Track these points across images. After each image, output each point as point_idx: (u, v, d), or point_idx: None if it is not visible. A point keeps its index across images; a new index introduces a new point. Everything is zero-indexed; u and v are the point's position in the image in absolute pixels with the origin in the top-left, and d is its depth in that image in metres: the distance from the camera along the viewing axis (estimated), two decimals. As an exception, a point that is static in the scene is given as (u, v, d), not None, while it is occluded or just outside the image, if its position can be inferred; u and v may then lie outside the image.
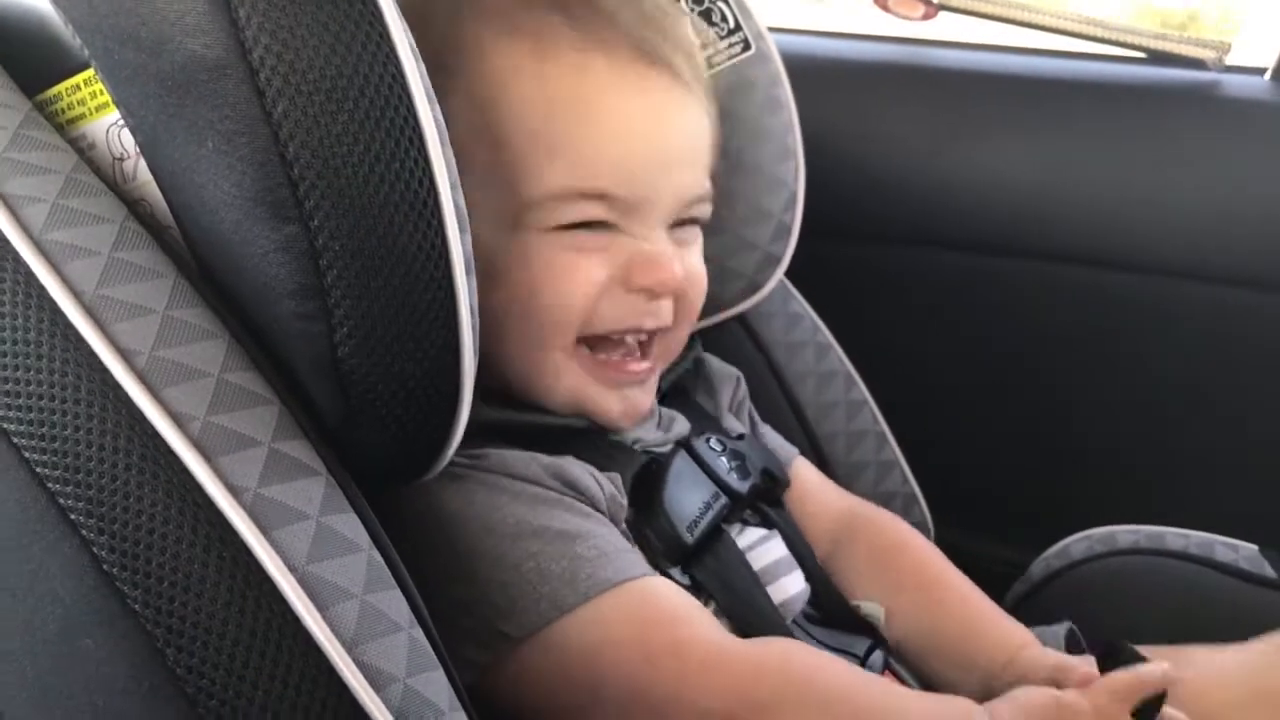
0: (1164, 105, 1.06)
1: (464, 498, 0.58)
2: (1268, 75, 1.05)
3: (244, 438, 0.44)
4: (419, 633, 0.47)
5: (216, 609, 0.41)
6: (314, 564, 0.43)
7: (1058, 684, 0.63)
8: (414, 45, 0.46)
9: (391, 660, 0.44)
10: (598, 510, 0.61)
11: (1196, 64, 1.06)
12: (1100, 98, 1.07)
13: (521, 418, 0.65)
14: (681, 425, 0.73)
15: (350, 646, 0.42)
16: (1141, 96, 1.07)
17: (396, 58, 0.45)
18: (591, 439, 0.67)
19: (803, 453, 0.93)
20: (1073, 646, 0.76)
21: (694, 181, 0.66)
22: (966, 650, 0.73)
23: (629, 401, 0.68)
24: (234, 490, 0.43)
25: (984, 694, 0.66)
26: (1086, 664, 0.67)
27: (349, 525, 0.46)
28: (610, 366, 0.67)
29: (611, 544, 0.58)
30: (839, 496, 0.85)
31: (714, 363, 0.82)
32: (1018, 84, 1.10)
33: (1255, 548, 0.87)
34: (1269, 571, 0.85)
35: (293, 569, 0.42)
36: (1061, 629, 0.78)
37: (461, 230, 0.47)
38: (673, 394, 0.77)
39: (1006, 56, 1.14)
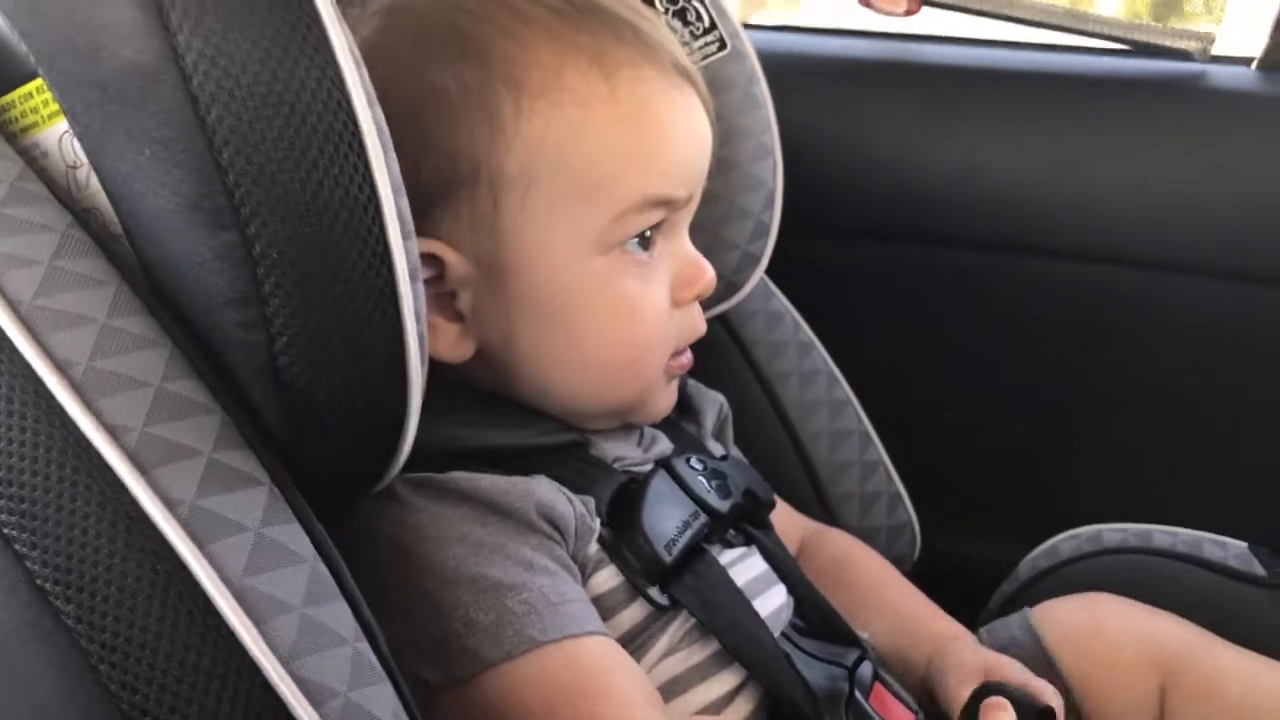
0: (1149, 97, 1.05)
1: (412, 532, 0.57)
2: (1254, 65, 1.04)
3: (182, 448, 0.44)
4: (364, 646, 0.46)
5: (150, 624, 0.40)
6: (251, 576, 0.42)
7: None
8: (353, 48, 0.46)
9: (332, 674, 0.43)
10: (561, 533, 0.60)
11: (1181, 55, 1.05)
12: (1085, 91, 1.06)
13: (501, 440, 0.65)
14: (663, 445, 0.73)
15: (288, 660, 0.42)
16: (1127, 88, 1.06)
17: (335, 62, 0.44)
18: (571, 457, 0.67)
19: (786, 453, 0.93)
20: None
21: (705, 177, 0.69)
22: (904, 648, 0.76)
23: (674, 392, 0.72)
24: (169, 503, 0.42)
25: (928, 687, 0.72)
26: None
27: (292, 537, 0.45)
28: (672, 365, 0.70)
29: (547, 597, 0.57)
30: (800, 522, 0.88)
31: (696, 387, 0.82)
32: (1001, 78, 1.09)
33: (1244, 545, 0.86)
34: (1258, 569, 0.84)
35: (228, 582, 0.42)
36: (1018, 618, 0.79)
37: (405, 236, 0.47)
38: None
39: (990, 51, 1.13)
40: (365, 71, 0.46)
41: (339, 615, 0.45)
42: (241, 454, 0.46)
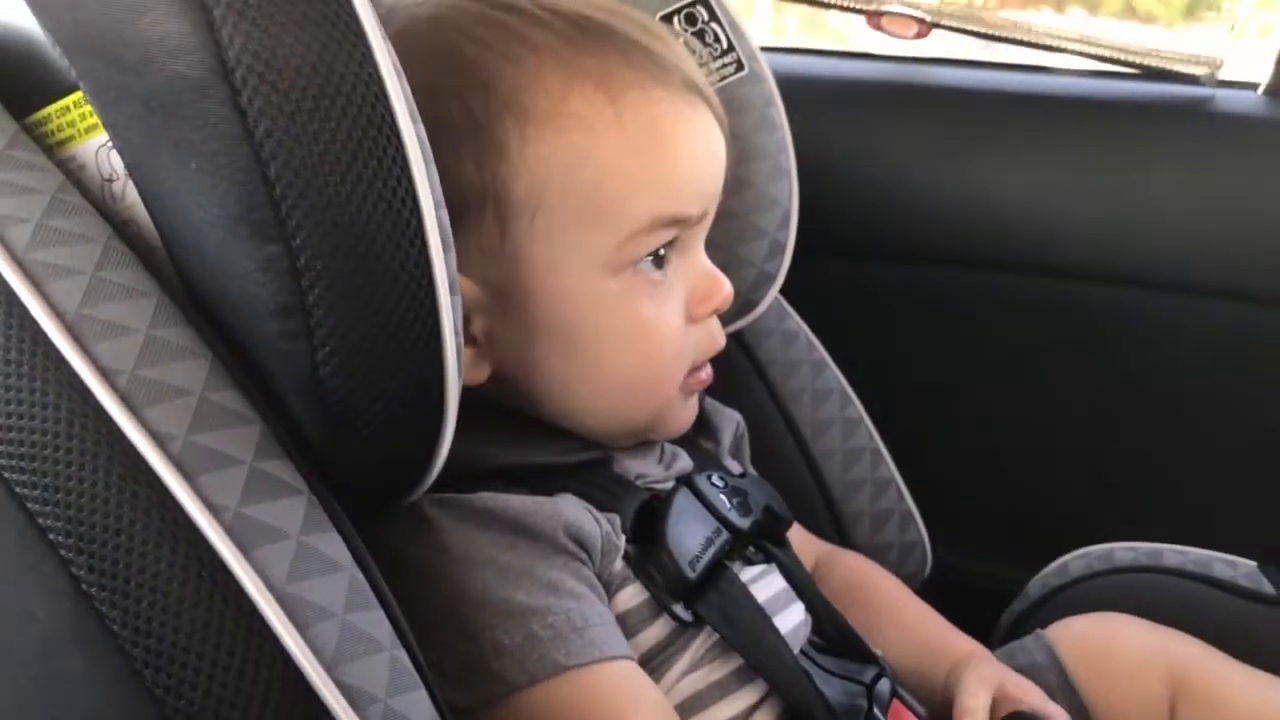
0: (1157, 121, 1.06)
1: (440, 554, 0.58)
2: (1260, 90, 1.05)
3: (225, 457, 0.44)
4: (401, 653, 0.46)
5: (195, 629, 0.41)
6: (294, 583, 0.43)
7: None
8: (398, 66, 0.47)
9: (373, 680, 0.43)
10: (588, 552, 0.61)
11: (1189, 79, 1.06)
12: (1094, 114, 1.07)
13: (527, 458, 0.65)
14: (684, 462, 0.74)
15: (331, 666, 0.42)
16: (1135, 112, 1.07)
17: (380, 78, 0.45)
18: (596, 475, 0.67)
19: (799, 470, 0.94)
20: None
21: (719, 193, 0.70)
22: (923, 666, 0.76)
23: (693, 407, 0.72)
24: (214, 509, 0.42)
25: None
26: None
27: (331, 545, 0.46)
28: (690, 381, 0.70)
29: (572, 622, 0.57)
30: (812, 544, 0.88)
31: (713, 405, 0.82)
32: (1012, 101, 1.10)
33: (1254, 564, 0.86)
34: (1267, 588, 0.84)
35: (272, 588, 0.42)
36: (1033, 640, 0.79)
37: (446, 250, 0.47)
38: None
39: (1000, 74, 1.14)
40: (407, 85, 0.47)
41: (377, 622, 0.46)
42: (281, 463, 0.46)
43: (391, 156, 0.45)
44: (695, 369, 0.70)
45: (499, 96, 0.61)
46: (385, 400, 0.47)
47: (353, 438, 0.48)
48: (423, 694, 0.46)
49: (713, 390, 0.82)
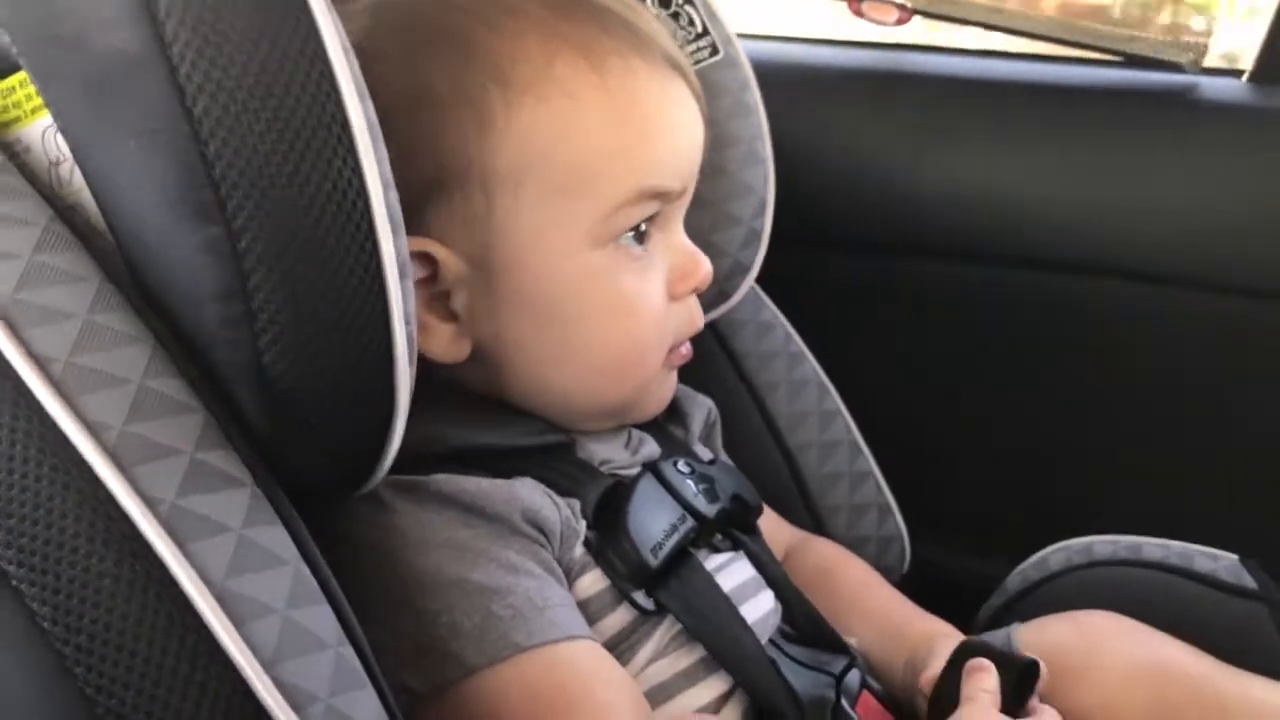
0: (1142, 108, 1.05)
1: (396, 536, 0.57)
2: (1245, 78, 1.04)
3: (164, 447, 0.43)
4: (347, 649, 0.45)
5: (128, 625, 0.39)
6: (233, 578, 0.42)
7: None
8: (344, 40, 0.45)
9: (314, 678, 0.42)
10: (546, 536, 0.60)
11: (1173, 67, 1.05)
12: (1077, 101, 1.06)
13: (486, 440, 0.64)
14: (651, 448, 0.72)
15: (270, 664, 0.41)
16: (1119, 99, 1.06)
17: (324, 53, 0.43)
18: (558, 459, 0.66)
19: (775, 463, 0.92)
20: None
21: (697, 170, 0.69)
22: (888, 651, 0.75)
23: (671, 384, 0.72)
24: (149, 501, 0.41)
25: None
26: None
27: (275, 538, 0.45)
28: (671, 356, 0.69)
29: (532, 601, 0.56)
30: (787, 532, 0.87)
31: (685, 391, 0.81)
32: (993, 89, 1.09)
33: (1235, 557, 0.85)
34: (1249, 582, 0.83)
35: (209, 583, 0.41)
36: (1002, 635, 0.78)
37: (395, 232, 0.46)
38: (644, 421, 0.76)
39: (981, 61, 1.13)
40: (356, 64, 0.45)
41: (322, 619, 0.45)
42: (224, 454, 0.45)
43: (337, 135, 0.43)
44: (675, 346, 0.69)
45: (481, 65, 0.60)
46: (332, 388, 0.46)
47: (299, 426, 0.46)
48: (369, 692, 0.45)
49: (687, 381, 0.81)
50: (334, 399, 0.46)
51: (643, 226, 0.64)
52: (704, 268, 0.68)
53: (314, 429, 0.47)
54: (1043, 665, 0.69)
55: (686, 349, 0.71)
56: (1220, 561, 0.85)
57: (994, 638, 0.79)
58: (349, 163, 0.44)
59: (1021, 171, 1.06)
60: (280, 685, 0.41)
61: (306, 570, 0.45)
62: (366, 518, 0.57)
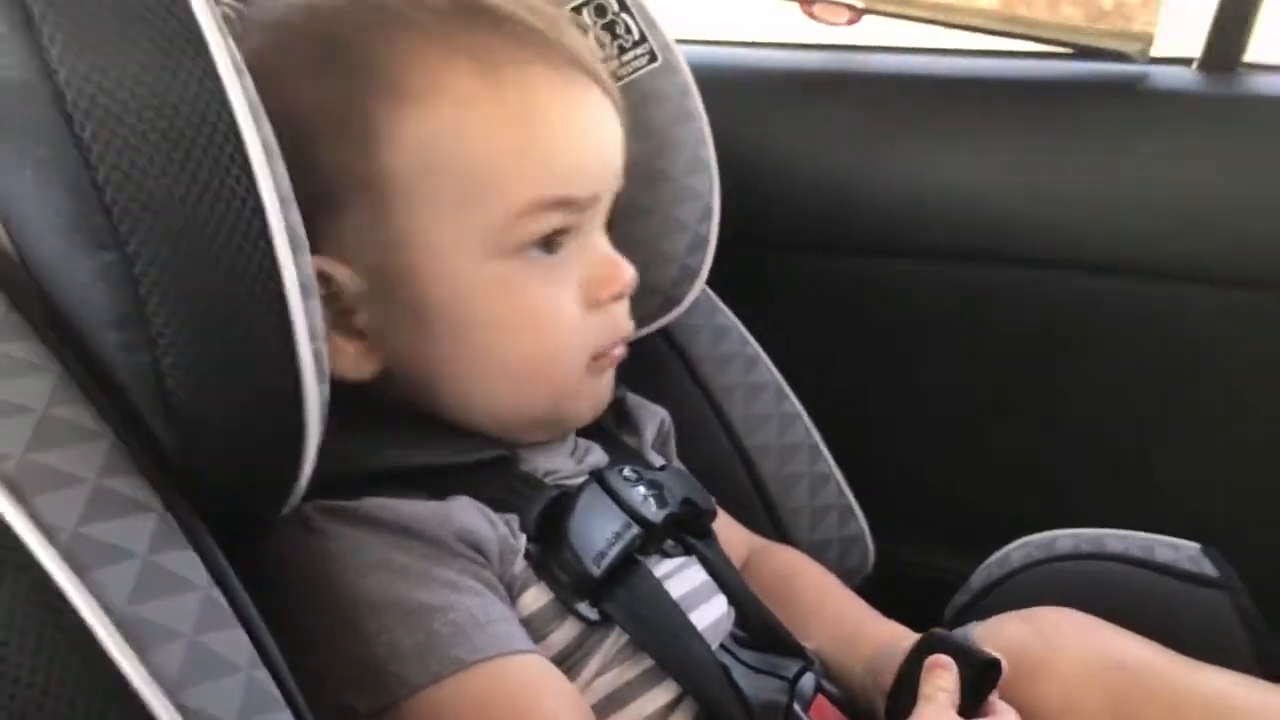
0: (1091, 99, 1.04)
1: (331, 560, 0.56)
2: (1194, 66, 1.04)
3: (65, 475, 0.42)
4: (261, 673, 0.44)
5: (24, 657, 0.38)
6: (136, 604, 0.41)
7: None
8: (238, 61, 0.45)
9: (222, 703, 0.41)
10: (484, 556, 0.59)
11: (1122, 57, 1.05)
12: (1027, 95, 1.06)
13: (420, 459, 0.63)
14: (597, 456, 0.72)
15: (173, 690, 0.40)
16: (1069, 92, 1.06)
17: (215, 73, 0.43)
18: (499, 474, 0.65)
19: (733, 467, 0.92)
20: None
21: (619, 176, 0.68)
22: (843, 655, 0.75)
23: (605, 387, 0.70)
24: (48, 531, 0.40)
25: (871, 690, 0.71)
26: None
27: (183, 563, 0.44)
28: (602, 360, 0.68)
29: (475, 618, 0.56)
30: (745, 538, 0.86)
31: (637, 400, 0.80)
32: (944, 85, 1.09)
33: (1197, 547, 0.85)
34: (1209, 570, 0.83)
35: (110, 610, 0.40)
36: (960, 634, 0.77)
37: (297, 250, 0.46)
38: (592, 429, 0.75)
39: (932, 59, 1.13)
40: (249, 82, 0.45)
41: (233, 642, 0.44)
42: (131, 480, 0.44)
43: (229, 155, 0.43)
44: (601, 353, 0.68)
45: (373, 77, 0.60)
46: (238, 410, 0.45)
47: (207, 450, 0.46)
48: (285, 716, 0.44)
49: (641, 388, 0.81)
50: (242, 421, 0.46)
51: (553, 238, 0.63)
52: (624, 276, 0.67)
53: (223, 452, 0.46)
54: (1004, 662, 0.68)
55: (619, 351, 0.69)
56: (1182, 551, 0.85)
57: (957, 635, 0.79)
58: (243, 182, 0.43)
59: (972, 167, 1.06)
60: (185, 711, 0.40)
61: (218, 594, 0.45)
62: (301, 542, 0.56)
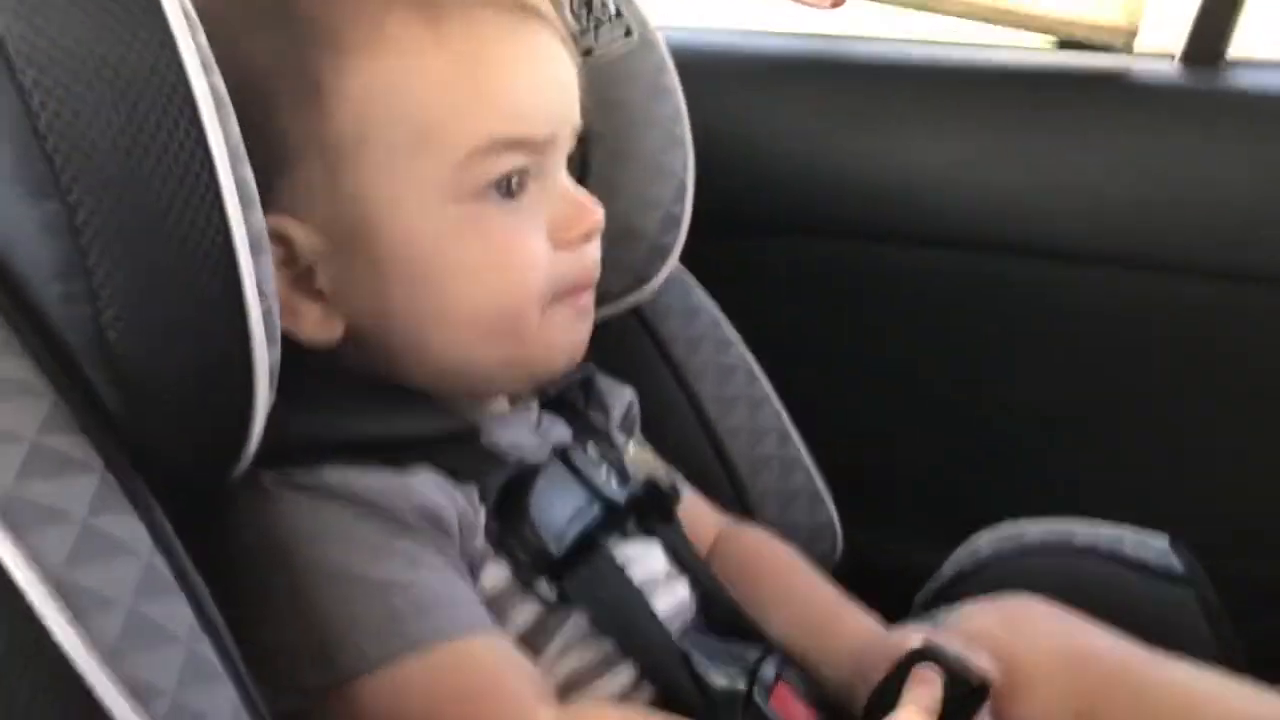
0: (1074, 91, 1.05)
1: (288, 532, 0.55)
2: (1176, 59, 1.04)
3: (2, 432, 0.41)
4: (203, 644, 0.43)
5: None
6: (73, 568, 0.40)
7: None
8: (189, 11, 0.44)
9: (161, 672, 0.40)
10: (445, 532, 0.58)
11: (1105, 49, 1.05)
12: (1011, 85, 1.06)
13: (381, 430, 0.62)
14: (561, 432, 0.70)
15: (109, 657, 0.39)
16: (1052, 82, 1.06)
17: (165, 24, 0.42)
18: (461, 447, 0.64)
19: (702, 449, 0.91)
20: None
21: (577, 117, 0.66)
22: (811, 641, 0.72)
23: (580, 335, 0.68)
24: None
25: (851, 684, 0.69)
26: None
27: (125, 527, 0.43)
28: (579, 304, 0.66)
29: (435, 594, 0.55)
30: (715, 519, 0.84)
31: (606, 380, 0.79)
32: (927, 74, 1.09)
33: (1165, 540, 0.85)
34: (1176, 565, 0.82)
35: (45, 573, 0.39)
36: (930, 619, 0.77)
37: (247, 206, 0.45)
38: (559, 407, 0.74)
39: (916, 48, 1.13)
40: (202, 35, 0.44)
41: (174, 611, 0.43)
42: (71, 439, 0.43)
43: (178, 107, 0.42)
44: (574, 291, 0.66)
45: (314, 33, 0.58)
46: (183, 368, 0.44)
47: (151, 409, 0.45)
48: (226, 687, 0.43)
49: (612, 367, 0.80)
50: (187, 379, 0.45)
51: (513, 181, 0.62)
52: (592, 215, 0.65)
53: (168, 411, 0.45)
54: (994, 681, 0.67)
55: (587, 298, 0.67)
56: (1150, 544, 0.85)
57: (921, 625, 0.78)
58: (191, 134, 0.42)
59: (951, 154, 1.05)
60: (121, 678, 0.39)
61: (161, 561, 0.44)
62: (257, 515, 0.55)
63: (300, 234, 0.60)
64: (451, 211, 0.60)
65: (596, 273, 0.67)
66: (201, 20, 0.45)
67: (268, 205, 0.56)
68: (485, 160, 0.60)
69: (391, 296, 0.61)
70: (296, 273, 0.60)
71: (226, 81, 0.45)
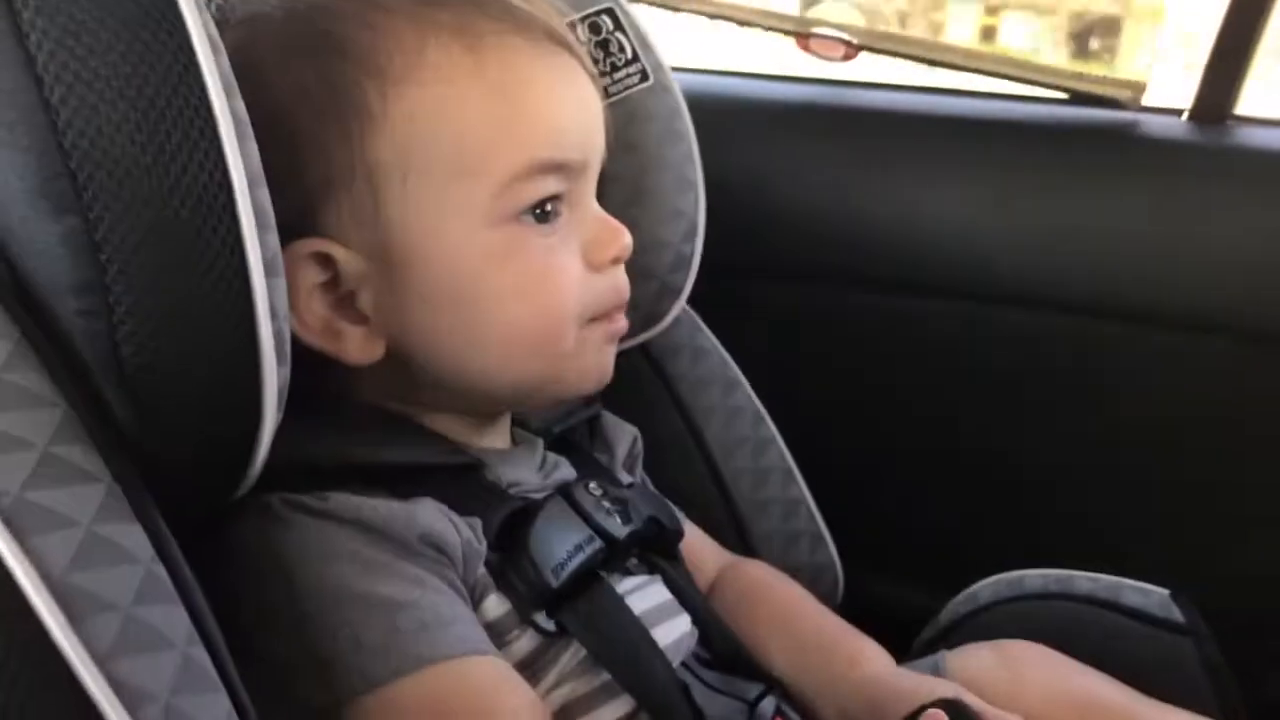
0: (1082, 145, 1.05)
1: (295, 550, 0.56)
2: (1184, 116, 1.05)
3: (12, 440, 0.42)
4: (199, 650, 0.44)
5: (-43, 619, 0.38)
6: (75, 573, 0.40)
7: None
8: (214, 35, 0.45)
9: (153, 678, 0.41)
10: (449, 558, 0.59)
11: (1114, 104, 1.06)
12: (1020, 137, 1.07)
13: (388, 457, 0.63)
14: (565, 471, 0.71)
15: (104, 660, 0.39)
16: (1060, 136, 1.06)
17: (190, 45, 0.43)
18: (464, 480, 0.65)
19: (707, 489, 0.92)
20: None
21: (604, 145, 0.68)
22: (812, 683, 0.73)
23: (608, 359, 0.69)
24: None
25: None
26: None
27: (128, 536, 0.44)
28: (610, 328, 0.68)
29: (438, 615, 0.56)
30: (717, 554, 0.85)
31: (610, 419, 0.80)
32: (936, 123, 1.10)
33: (1166, 592, 0.84)
34: (1177, 616, 0.82)
35: (47, 577, 0.40)
36: (930, 662, 0.77)
37: (262, 228, 0.46)
38: (563, 446, 0.75)
39: (927, 97, 1.14)
40: (225, 60, 0.45)
41: (171, 619, 0.43)
42: (80, 449, 0.44)
43: (199, 129, 0.43)
44: (607, 316, 0.68)
45: (355, 62, 0.60)
46: (194, 385, 0.45)
47: (161, 423, 0.46)
48: (220, 696, 0.44)
49: (619, 405, 0.81)
50: (198, 396, 0.46)
51: (548, 206, 0.63)
52: (623, 238, 0.67)
53: (178, 426, 0.46)
54: None
55: (621, 322, 0.69)
56: (1150, 596, 0.85)
57: (921, 665, 0.78)
58: (212, 156, 0.44)
59: (961, 206, 1.06)
60: (114, 681, 0.39)
61: (161, 570, 0.44)
62: (266, 533, 0.56)
63: (344, 257, 0.61)
64: (489, 236, 0.62)
65: (627, 294, 0.69)
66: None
67: (314, 228, 0.58)
68: (524, 185, 0.62)
69: (430, 318, 0.63)
70: (340, 295, 0.62)
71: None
